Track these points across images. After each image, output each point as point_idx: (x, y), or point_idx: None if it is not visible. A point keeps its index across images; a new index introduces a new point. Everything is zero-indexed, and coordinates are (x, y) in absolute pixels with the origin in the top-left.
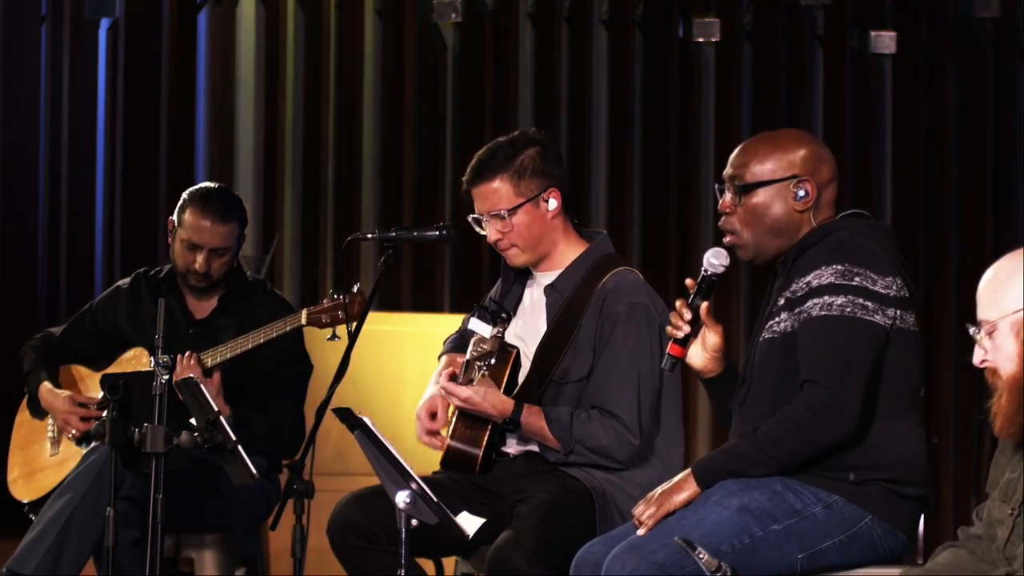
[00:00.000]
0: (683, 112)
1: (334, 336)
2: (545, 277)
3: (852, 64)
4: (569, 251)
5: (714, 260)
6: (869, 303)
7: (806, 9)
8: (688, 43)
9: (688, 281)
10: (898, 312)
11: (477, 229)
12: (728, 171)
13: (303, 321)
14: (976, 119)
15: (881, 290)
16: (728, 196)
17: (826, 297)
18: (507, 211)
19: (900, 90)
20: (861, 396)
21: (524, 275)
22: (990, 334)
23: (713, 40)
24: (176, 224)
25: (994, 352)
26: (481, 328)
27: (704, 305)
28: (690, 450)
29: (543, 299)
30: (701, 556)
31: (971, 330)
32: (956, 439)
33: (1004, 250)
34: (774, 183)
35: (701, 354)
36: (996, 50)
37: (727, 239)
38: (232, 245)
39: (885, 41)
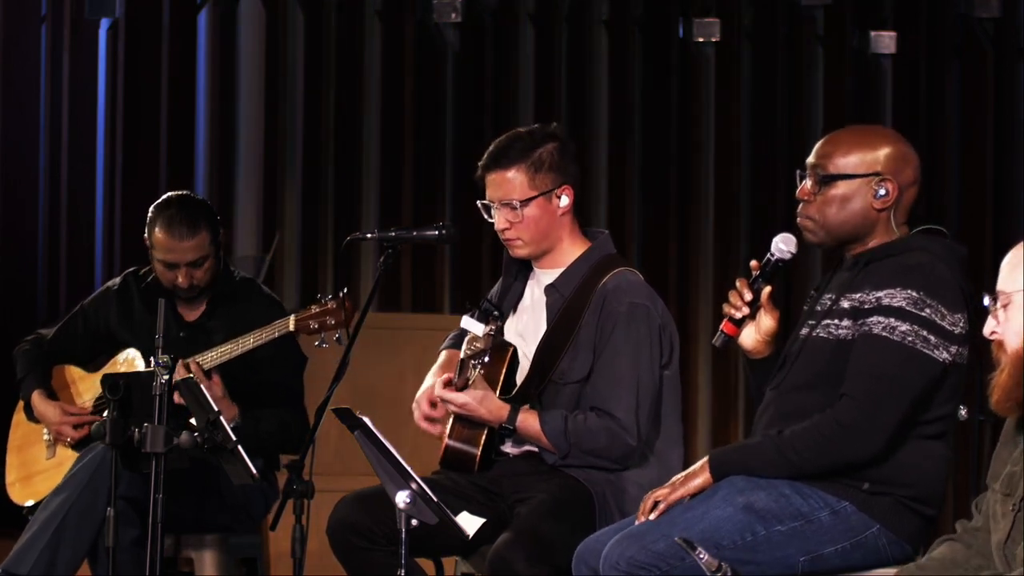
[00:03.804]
0: (683, 112)
1: (322, 343)
2: (546, 275)
3: (852, 64)
4: (572, 250)
5: (783, 245)
6: (932, 337)
7: (806, 9)
8: (688, 43)
9: (753, 263)
10: (959, 349)
11: (484, 215)
12: (811, 159)
13: (291, 327)
14: (976, 119)
15: (948, 326)
16: (808, 183)
17: (892, 319)
18: (519, 202)
19: (900, 90)
20: (895, 423)
21: (525, 272)
22: (1004, 306)
23: (713, 40)
24: (149, 243)
25: (1004, 324)
26: (474, 327)
27: (767, 290)
28: (689, 452)
29: (543, 298)
30: (701, 556)
31: (986, 300)
32: (956, 439)
33: (1004, 250)
34: (856, 178)
35: (753, 336)
36: (996, 50)
37: (800, 221)
38: (208, 252)
39: (885, 41)
